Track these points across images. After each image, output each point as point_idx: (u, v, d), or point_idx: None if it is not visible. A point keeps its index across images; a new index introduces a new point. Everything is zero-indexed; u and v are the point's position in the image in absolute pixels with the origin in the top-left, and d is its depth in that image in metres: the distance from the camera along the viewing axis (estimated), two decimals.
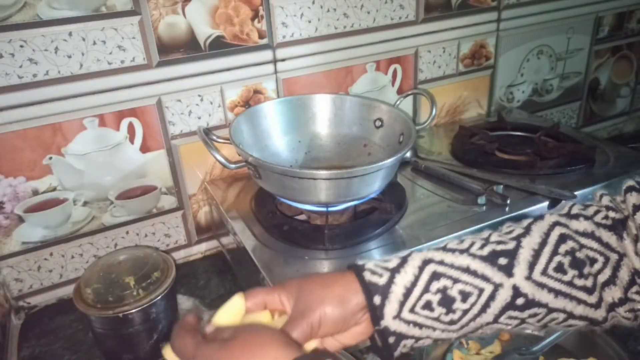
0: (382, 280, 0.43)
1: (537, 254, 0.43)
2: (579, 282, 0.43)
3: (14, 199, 0.75)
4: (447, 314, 0.43)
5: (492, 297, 0.43)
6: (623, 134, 1.40)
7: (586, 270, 0.43)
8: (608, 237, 0.44)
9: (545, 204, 0.76)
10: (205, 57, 0.79)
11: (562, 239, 0.44)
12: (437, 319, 0.43)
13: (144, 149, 0.81)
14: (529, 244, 0.44)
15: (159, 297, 0.66)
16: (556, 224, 0.45)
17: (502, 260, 0.43)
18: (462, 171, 0.85)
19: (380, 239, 0.69)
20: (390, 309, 0.43)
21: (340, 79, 0.93)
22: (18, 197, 0.75)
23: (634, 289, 0.43)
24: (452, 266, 0.43)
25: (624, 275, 0.43)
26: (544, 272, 0.43)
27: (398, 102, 0.92)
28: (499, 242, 0.45)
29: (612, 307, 0.43)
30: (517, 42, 1.10)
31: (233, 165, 0.68)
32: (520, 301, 0.43)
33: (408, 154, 0.88)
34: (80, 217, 0.80)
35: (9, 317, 0.78)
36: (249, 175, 0.71)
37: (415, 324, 0.43)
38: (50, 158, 0.75)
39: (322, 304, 0.42)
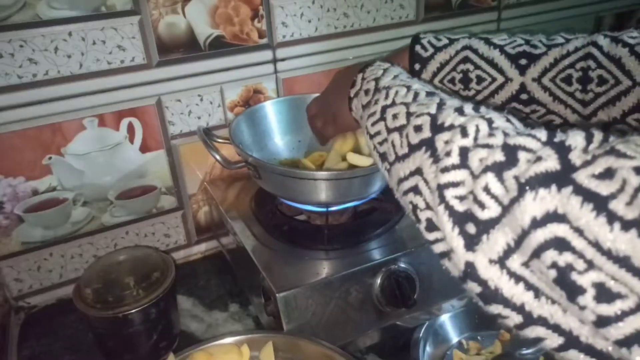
0: (425, 54, 0.57)
1: (554, 63, 0.50)
2: (579, 95, 0.49)
3: (13, 199, 0.75)
4: (463, 90, 0.55)
5: (501, 87, 0.53)
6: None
7: (590, 87, 0.48)
8: (635, 65, 0.46)
9: None
10: (205, 56, 0.79)
11: (586, 56, 0.48)
12: (456, 93, 0.55)
13: (144, 149, 0.81)
14: (554, 53, 0.50)
15: (159, 297, 0.66)
16: (593, 44, 0.48)
17: (523, 61, 0.52)
18: None
19: (380, 239, 0.69)
20: (425, 76, 0.56)
21: None
22: (18, 197, 0.75)
23: (635, 115, 0.45)
24: (481, 56, 0.54)
25: (630, 100, 0.46)
26: (552, 79, 0.50)
27: None
28: (532, 46, 0.52)
29: (606, 125, 0.48)
30: None
31: (233, 166, 0.68)
32: (524, 97, 0.52)
33: None
34: (80, 217, 0.80)
35: (9, 317, 0.78)
36: (249, 175, 0.71)
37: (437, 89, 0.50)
38: (50, 158, 0.75)
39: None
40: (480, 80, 0.54)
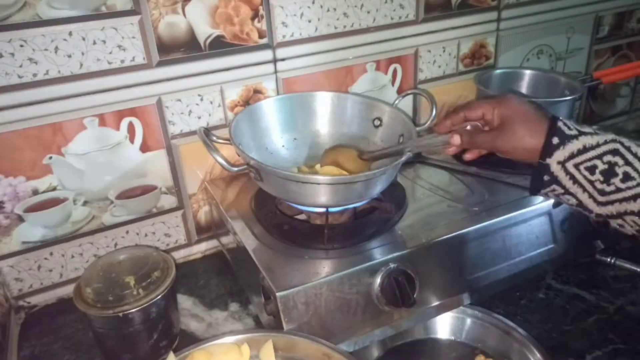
0: (569, 132, 0.52)
1: None
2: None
3: (14, 198, 0.75)
4: (602, 182, 0.50)
5: None
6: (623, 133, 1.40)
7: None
8: None
9: (550, 202, 0.76)
10: (205, 56, 0.79)
11: None
12: (591, 183, 0.51)
13: (144, 148, 0.81)
14: None
15: (159, 297, 0.66)
16: None
17: None
18: (462, 170, 0.85)
19: (380, 239, 0.69)
20: (561, 154, 0.52)
21: (340, 78, 0.93)
22: (18, 196, 0.75)
23: None
24: (632, 153, 0.50)
25: None
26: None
27: (397, 102, 0.92)
28: None
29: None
30: (517, 41, 1.10)
31: (235, 168, 0.68)
32: None
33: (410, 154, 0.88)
34: (80, 217, 0.81)
35: (9, 317, 0.78)
36: (249, 175, 0.71)
37: (573, 177, 0.52)
38: (50, 158, 0.75)
39: (518, 143, 0.54)
40: (627, 178, 0.49)
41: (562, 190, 0.53)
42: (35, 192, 0.76)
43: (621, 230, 0.53)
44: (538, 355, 0.64)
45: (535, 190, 0.56)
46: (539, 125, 0.54)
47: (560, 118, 0.54)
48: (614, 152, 0.50)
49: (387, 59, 0.96)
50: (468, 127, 0.61)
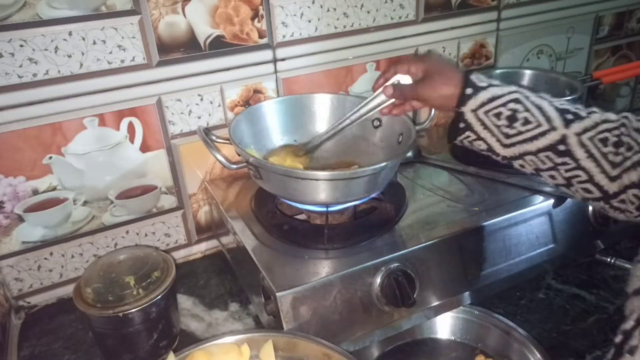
0: (480, 84, 0.59)
1: (595, 126, 0.55)
2: (610, 156, 0.54)
3: (14, 198, 0.75)
4: (506, 127, 0.58)
5: (543, 134, 0.56)
6: None
7: (621, 150, 0.54)
8: None
9: (550, 202, 0.76)
10: (205, 56, 0.79)
11: (621, 125, 0.55)
12: (498, 127, 0.58)
13: (144, 148, 0.81)
14: (595, 118, 0.56)
15: (159, 297, 0.66)
16: (624, 118, 0.56)
17: (568, 116, 0.56)
18: (462, 170, 0.85)
19: (380, 239, 0.69)
20: (473, 103, 0.59)
21: (340, 78, 0.93)
22: (18, 196, 0.75)
23: None
24: (531, 101, 0.58)
25: None
26: (591, 139, 0.55)
27: (397, 102, 0.92)
28: (577, 108, 0.57)
29: (626, 187, 0.54)
30: (517, 41, 1.10)
31: (234, 166, 0.68)
32: (561, 148, 0.56)
33: (410, 154, 0.88)
34: (80, 217, 0.80)
35: (9, 317, 0.78)
36: (249, 175, 0.71)
37: (483, 124, 0.59)
38: (50, 157, 0.75)
39: (436, 90, 0.63)
40: (526, 122, 0.57)
41: (475, 137, 0.60)
42: (35, 192, 0.76)
43: (522, 170, 0.61)
44: (538, 355, 0.64)
45: (452, 137, 0.63)
46: (454, 77, 0.61)
47: (472, 72, 0.62)
48: (516, 100, 0.58)
49: (387, 59, 0.96)
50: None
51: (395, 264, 0.66)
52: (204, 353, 0.56)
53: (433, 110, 0.77)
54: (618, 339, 0.43)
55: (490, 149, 0.60)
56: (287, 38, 0.85)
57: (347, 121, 0.74)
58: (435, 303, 0.69)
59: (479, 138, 0.60)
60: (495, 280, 0.73)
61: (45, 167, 0.75)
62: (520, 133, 0.57)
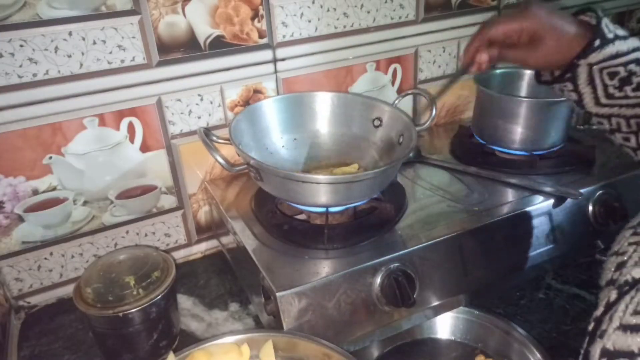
0: (609, 35, 0.53)
1: None
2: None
3: (14, 198, 0.75)
4: (615, 88, 0.53)
5: None
6: None
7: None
8: None
9: (550, 202, 0.76)
10: (205, 56, 0.79)
11: None
12: (605, 86, 0.53)
13: (144, 148, 0.81)
14: None
15: (159, 297, 0.66)
16: None
17: None
18: (462, 170, 0.85)
19: (380, 239, 0.69)
20: (595, 56, 0.53)
21: (340, 78, 0.93)
22: (18, 196, 0.75)
23: None
24: None
25: None
26: None
27: (397, 101, 0.92)
28: None
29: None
30: None
31: (235, 168, 0.68)
32: None
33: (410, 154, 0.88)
34: (80, 217, 0.80)
35: (9, 317, 0.78)
36: (249, 175, 0.71)
37: (591, 79, 0.54)
38: (50, 157, 0.75)
39: (550, 54, 0.55)
40: (638, 88, 0.53)
41: (572, 87, 0.55)
42: (35, 192, 0.76)
43: (598, 127, 0.57)
44: (538, 355, 0.65)
45: (547, 82, 0.58)
46: (571, 36, 0.54)
47: (601, 15, 0.54)
48: (637, 61, 0.52)
49: (387, 58, 0.96)
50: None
51: (395, 264, 0.66)
52: (204, 353, 0.56)
53: (434, 111, 0.77)
54: (590, 326, 0.43)
55: (580, 102, 0.56)
56: (287, 38, 0.85)
57: (450, 83, 0.69)
58: (435, 303, 0.69)
59: (576, 90, 0.55)
60: (495, 280, 0.73)
61: (45, 167, 0.75)
62: (626, 97, 0.53)
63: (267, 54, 0.84)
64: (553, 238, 0.77)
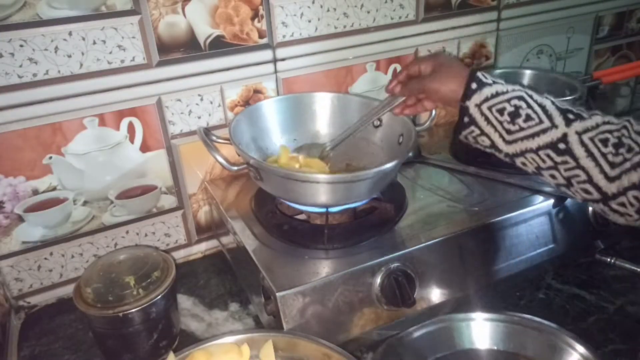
0: (485, 80, 0.61)
1: (596, 126, 0.56)
2: (610, 157, 0.54)
3: (14, 198, 0.75)
4: (509, 123, 0.59)
5: (544, 131, 0.57)
6: None
7: (621, 151, 0.54)
8: None
9: (550, 202, 0.76)
10: (205, 56, 0.79)
11: (622, 128, 0.55)
12: (500, 123, 0.59)
13: (144, 148, 0.81)
14: (597, 119, 0.56)
15: (159, 297, 0.66)
16: (626, 121, 0.56)
17: (570, 115, 0.57)
18: (462, 170, 0.85)
19: (380, 239, 0.69)
20: (477, 97, 0.60)
21: (340, 78, 0.93)
22: (18, 196, 0.75)
23: None
24: (534, 100, 0.59)
25: None
26: (592, 139, 0.55)
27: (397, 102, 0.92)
28: (579, 109, 0.58)
29: (625, 189, 0.54)
30: (517, 41, 1.10)
31: (235, 168, 0.68)
32: (561, 146, 0.56)
33: (410, 154, 0.88)
34: (80, 217, 0.80)
35: (9, 317, 0.78)
36: (249, 175, 0.71)
37: (487, 118, 0.60)
38: (50, 157, 0.75)
39: (443, 83, 0.64)
40: (528, 118, 0.58)
41: (479, 132, 0.61)
42: (35, 192, 0.76)
43: (524, 169, 0.61)
44: (585, 353, 0.62)
45: (458, 132, 0.64)
46: (461, 73, 0.63)
47: (478, 70, 0.63)
48: (520, 97, 0.59)
49: (387, 59, 0.96)
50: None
51: (395, 264, 0.66)
52: (204, 353, 0.56)
53: (434, 110, 0.77)
54: None
55: (493, 145, 0.61)
56: (287, 38, 0.85)
57: (361, 122, 0.76)
58: (436, 303, 0.69)
59: (483, 133, 0.61)
60: (495, 280, 0.73)
61: (45, 167, 0.75)
62: (521, 129, 0.58)
63: (267, 54, 0.84)
64: (553, 238, 0.77)
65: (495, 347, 0.69)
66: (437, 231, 0.70)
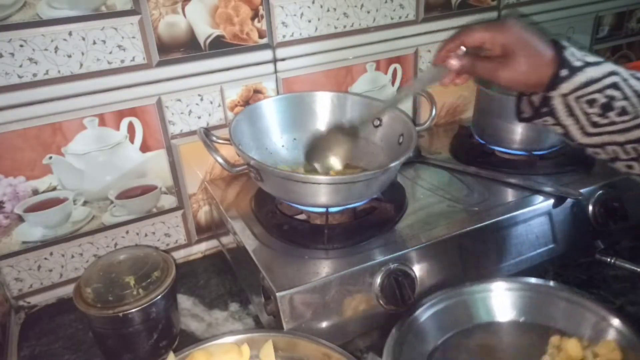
0: (576, 63, 0.51)
1: None
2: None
3: (14, 198, 0.75)
4: (598, 115, 0.51)
5: (637, 127, 0.50)
6: None
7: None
8: None
9: (550, 202, 0.76)
10: (205, 56, 0.79)
11: None
12: (587, 115, 0.51)
13: (144, 148, 0.81)
14: None
15: (159, 297, 0.66)
16: None
17: None
18: (462, 170, 0.85)
19: (380, 239, 0.69)
20: (566, 87, 0.51)
21: (340, 78, 0.93)
22: (18, 196, 0.75)
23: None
24: (630, 87, 0.51)
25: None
26: None
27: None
28: None
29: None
30: None
31: (235, 169, 0.68)
32: None
33: (410, 154, 0.88)
34: (80, 217, 0.80)
35: (9, 317, 0.78)
36: (249, 175, 0.71)
37: (570, 110, 0.52)
38: (50, 157, 0.75)
39: (522, 73, 0.52)
40: (623, 112, 0.50)
41: (554, 121, 0.54)
42: (35, 192, 0.76)
43: (593, 156, 0.55)
44: (620, 326, 0.57)
45: (527, 119, 0.56)
46: (544, 55, 0.52)
47: (565, 45, 0.53)
48: (614, 85, 0.51)
49: (387, 58, 0.96)
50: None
51: (395, 264, 0.66)
52: (204, 353, 0.56)
53: (434, 110, 0.77)
54: None
55: (567, 134, 0.54)
56: (287, 38, 0.85)
57: (404, 96, 0.67)
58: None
59: (559, 124, 0.54)
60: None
61: (45, 167, 0.75)
62: (613, 123, 0.51)
63: (267, 54, 0.84)
64: (553, 238, 0.77)
65: (521, 320, 0.63)
66: (437, 231, 0.70)
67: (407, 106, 1.03)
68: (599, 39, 1.21)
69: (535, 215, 0.75)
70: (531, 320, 0.62)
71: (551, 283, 0.62)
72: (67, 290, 0.83)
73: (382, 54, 0.95)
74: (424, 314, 0.64)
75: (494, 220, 0.72)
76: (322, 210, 0.71)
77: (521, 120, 0.57)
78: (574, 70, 0.51)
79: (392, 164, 0.65)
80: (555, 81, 0.51)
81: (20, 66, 0.69)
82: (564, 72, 0.51)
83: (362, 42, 0.92)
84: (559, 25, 1.13)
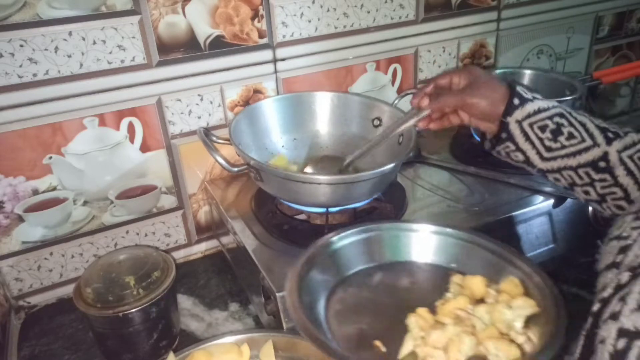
0: (526, 96, 0.60)
1: (633, 144, 0.56)
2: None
3: (13, 198, 0.75)
4: (550, 140, 0.58)
5: (586, 149, 0.57)
6: None
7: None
8: None
9: (550, 202, 0.76)
10: (205, 56, 0.79)
11: None
12: (541, 140, 0.59)
13: (144, 148, 0.81)
14: (633, 137, 0.56)
15: (159, 297, 0.66)
16: None
17: (609, 134, 0.57)
18: (462, 170, 0.85)
19: None
20: (520, 113, 0.59)
21: (340, 78, 0.93)
22: (18, 196, 0.75)
23: None
24: (574, 117, 0.59)
25: None
26: (630, 157, 0.55)
27: (397, 102, 0.92)
28: (614, 127, 0.58)
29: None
30: (517, 41, 1.10)
31: (235, 169, 0.68)
32: (602, 164, 0.56)
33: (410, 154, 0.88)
34: (80, 217, 0.80)
35: (9, 317, 0.78)
36: (249, 175, 0.71)
37: (526, 135, 0.59)
38: (50, 157, 0.75)
39: (483, 98, 0.60)
40: (570, 137, 0.58)
41: (514, 147, 0.60)
42: (35, 192, 0.76)
43: (556, 184, 0.61)
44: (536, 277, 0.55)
45: (491, 147, 0.63)
46: (500, 88, 0.61)
47: (517, 84, 0.61)
48: (561, 115, 0.59)
49: (387, 59, 0.96)
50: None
51: None
52: (204, 353, 0.56)
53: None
54: (595, 307, 0.44)
55: (527, 160, 0.61)
56: (287, 38, 0.85)
57: (382, 136, 0.70)
58: None
59: (518, 149, 0.60)
60: None
61: (45, 167, 0.75)
62: (563, 147, 0.58)
63: (267, 54, 0.84)
64: (553, 238, 0.77)
65: (435, 263, 0.62)
66: None
67: (407, 106, 1.03)
68: (599, 39, 1.21)
69: (536, 215, 0.75)
70: (446, 265, 0.61)
71: (478, 235, 0.61)
72: (67, 290, 0.83)
73: (382, 54, 0.95)
74: (341, 241, 0.62)
75: (494, 220, 0.72)
76: (322, 210, 0.71)
77: (486, 149, 0.65)
78: (525, 100, 0.59)
79: (392, 164, 0.65)
80: (509, 109, 0.59)
81: (20, 66, 0.69)
82: (516, 101, 0.59)
83: (362, 42, 0.92)
84: (559, 25, 1.13)
